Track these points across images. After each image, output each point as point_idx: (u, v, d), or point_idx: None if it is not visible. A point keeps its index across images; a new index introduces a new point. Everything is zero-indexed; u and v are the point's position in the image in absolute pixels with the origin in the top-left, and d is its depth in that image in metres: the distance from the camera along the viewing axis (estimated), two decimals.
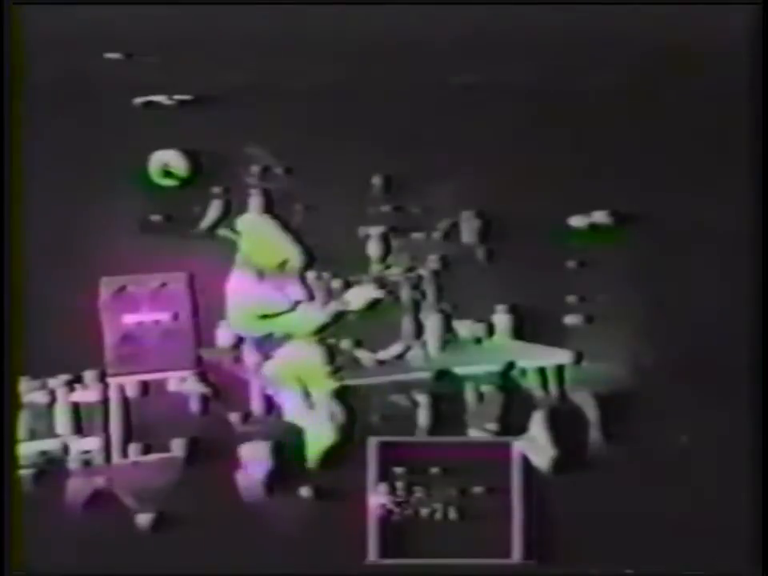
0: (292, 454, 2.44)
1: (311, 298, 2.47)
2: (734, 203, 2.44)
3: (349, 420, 2.46)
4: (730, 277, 2.44)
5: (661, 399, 2.46)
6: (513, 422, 2.48)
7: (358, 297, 2.46)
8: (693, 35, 2.38)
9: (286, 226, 2.48)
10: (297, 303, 2.48)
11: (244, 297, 2.46)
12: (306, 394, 2.44)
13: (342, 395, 2.46)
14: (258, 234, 2.48)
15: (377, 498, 2.44)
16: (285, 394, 2.46)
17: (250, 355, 2.47)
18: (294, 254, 2.47)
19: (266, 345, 2.48)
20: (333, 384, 2.44)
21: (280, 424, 2.47)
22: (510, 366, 2.48)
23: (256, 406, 2.47)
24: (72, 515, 2.42)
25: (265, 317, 2.47)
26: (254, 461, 2.45)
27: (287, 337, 2.48)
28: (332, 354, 2.46)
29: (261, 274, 2.46)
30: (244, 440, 2.46)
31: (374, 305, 2.49)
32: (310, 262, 2.48)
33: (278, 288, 2.47)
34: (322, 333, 2.48)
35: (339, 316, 2.48)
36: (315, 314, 2.47)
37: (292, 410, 2.46)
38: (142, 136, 2.44)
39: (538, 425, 2.45)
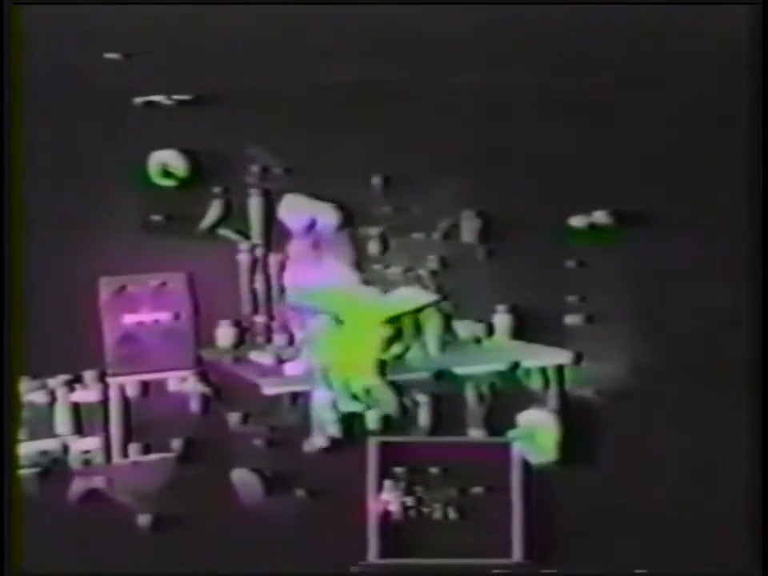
0: None
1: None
2: (734, 203, 2.44)
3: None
4: (730, 277, 2.44)
5: (661, 399, 2.46)
6: (512, 422, 2.49)
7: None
8: (693, 35, 2.38)
9: None
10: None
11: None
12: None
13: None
14: None
15: (379, 497, 2.44)
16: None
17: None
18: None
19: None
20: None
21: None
22: (515, 365, 2.48)
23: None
24: (71, 515, 2.42)
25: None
26: (245, 488, 2.45)
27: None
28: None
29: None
30: (244, 440, 2.47)
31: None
32: None
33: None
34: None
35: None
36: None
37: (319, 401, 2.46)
38: (141, 136, 2.44)
39: (538, 424, 2.46)
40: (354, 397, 2.40)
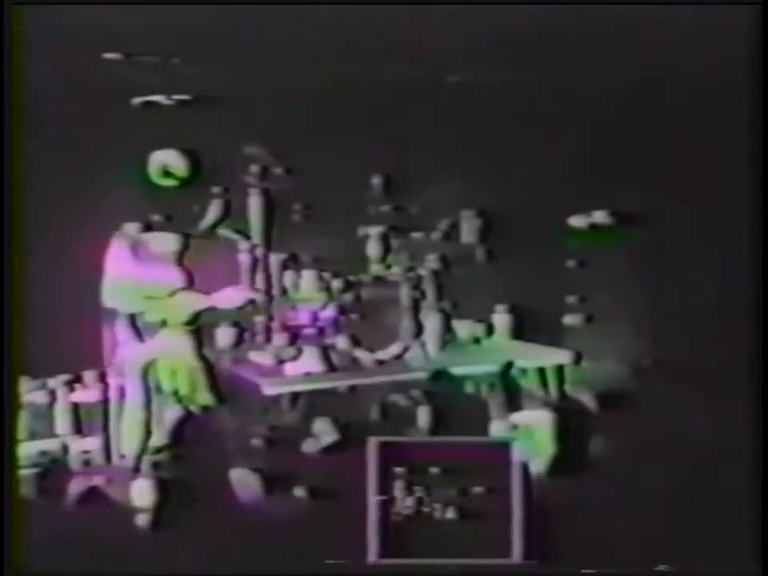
0: None
1: (190, 284, 2.46)
2: (734, 203, 2.44)
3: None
4: (730, 276, 2.44)
5: (661, 399, 2.46)
6: (511, 422, 2.48)
7: (232, 298, 2.47)
8: (693, 35, 2.38)
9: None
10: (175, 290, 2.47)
11: (128, 273, 2.45)
12: (159, 389, 2.44)
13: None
14: None
15: (375, 497, 2.44)
16: (134, 383, 2.45)
17: (123, 333, 2.46)
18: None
19: (139, 326, 2.46)
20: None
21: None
22: (509, 365, 2.48)
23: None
24: (71, 515, 2.42)
25: (149, 298, 2.44)
26: (243, 487, 2.45)
27: (161, 323, 2.47)
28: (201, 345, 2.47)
29: (144, 254, 2.45)
30: (243, 440, 2.47)
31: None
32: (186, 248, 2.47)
33: (160, 270, 2.46)
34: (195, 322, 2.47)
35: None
36: (192, 303, 2.46)
37: (132, 401, 2.45)
38: (141, 136, 2.44)
39: (538, 424, 2.45)
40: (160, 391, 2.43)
